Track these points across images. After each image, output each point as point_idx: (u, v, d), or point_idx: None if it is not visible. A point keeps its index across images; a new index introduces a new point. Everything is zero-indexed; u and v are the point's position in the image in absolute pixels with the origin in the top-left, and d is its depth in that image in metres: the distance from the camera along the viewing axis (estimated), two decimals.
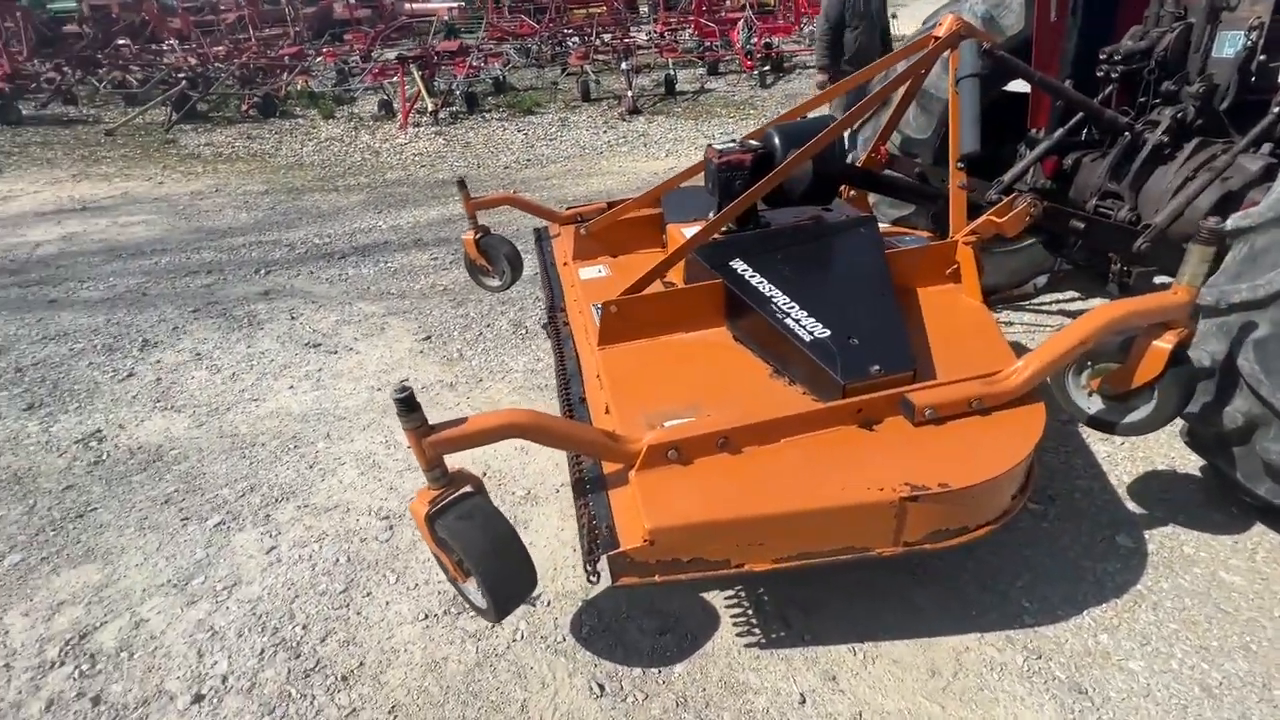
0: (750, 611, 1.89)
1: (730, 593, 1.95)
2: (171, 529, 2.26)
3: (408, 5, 21.14)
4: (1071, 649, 1.76)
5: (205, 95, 10.42)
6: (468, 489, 1.51)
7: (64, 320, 3.88)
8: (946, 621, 1.85)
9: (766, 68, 11.00)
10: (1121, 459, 2.46)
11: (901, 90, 2.64)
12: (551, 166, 7.48)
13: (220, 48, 13.73)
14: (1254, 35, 2.25)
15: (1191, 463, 2.38)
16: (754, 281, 2.04)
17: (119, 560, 2.13)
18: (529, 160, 7.71)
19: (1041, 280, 3.01)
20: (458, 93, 10.41)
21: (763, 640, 1.81)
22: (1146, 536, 2.12)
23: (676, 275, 2.32)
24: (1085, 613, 1.87)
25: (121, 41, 13.79)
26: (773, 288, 2.00)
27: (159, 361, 3.39)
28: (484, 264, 3.27)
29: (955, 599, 1.91)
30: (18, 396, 3.09)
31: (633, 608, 1.91)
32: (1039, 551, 2.08)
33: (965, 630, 1.82)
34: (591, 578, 1.47)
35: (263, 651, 1.80)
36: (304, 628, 1.88)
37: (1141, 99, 2.62)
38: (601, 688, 1.70)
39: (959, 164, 2.23)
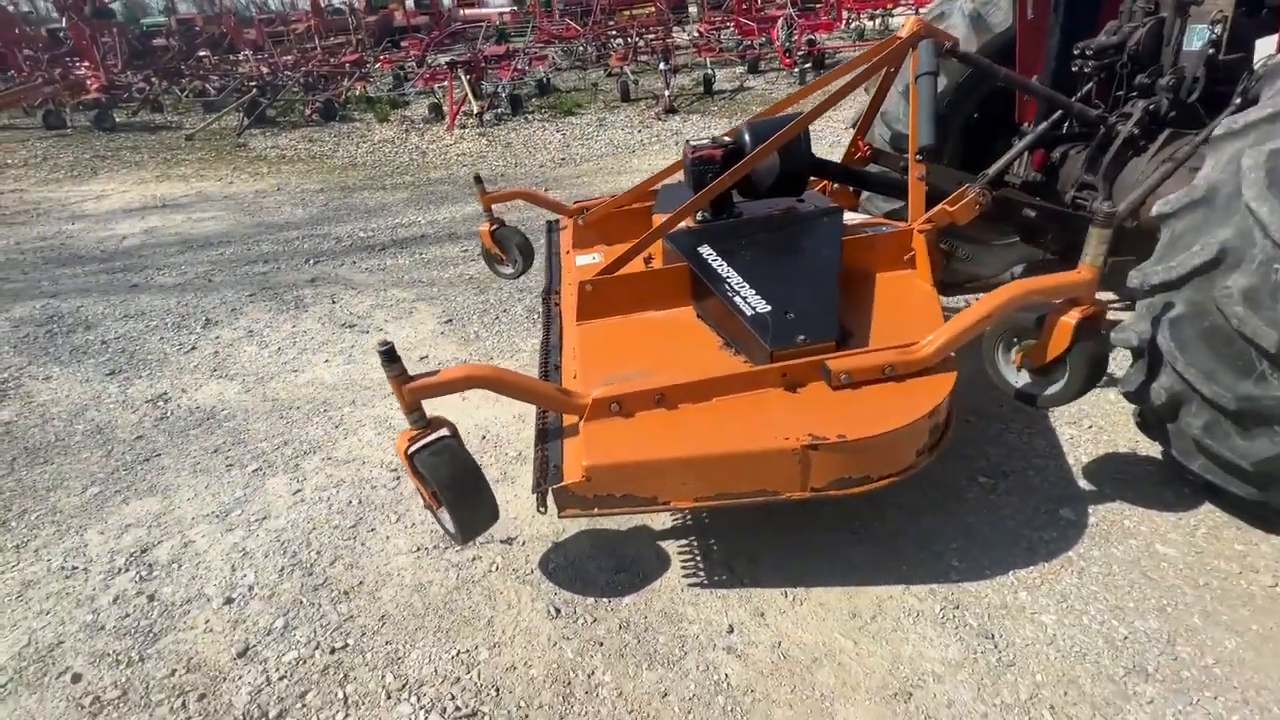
0: (699, 557, 2.11)
1: (684, 541, 2.18)
2: (218, 472, 2.66)
3: (462, 11, 22.01)
4: (989, 603, 1.91)
5: (273, 102, 11.24)
6: (443, 432, 1.80)
7: (142, 302, 4.42)
8: (877, 575, 2.03)
9: (808, 65, 11.03)
10: (1085, 441, 2.56)
11: (875, 87, 2.80)
12: (585, 165, 7.80)
13: (289, 57, 14.73)
14: (1218, 29, 2.32)
15: (1154, 446, 2.45)
16: (715, 265, 2.26)
17: (175, 495, 2.54)
18: (563, 159, 8.05)
19: (1018, 269, 3.08)
20: (503, 95, 10.90)
21: (705, 581, 2.03)
22: (1090, 510, 2.23)
23: (661, 260, 2.56)
24: (1011, 573, 2.01)
25: (202, 53, 14.93)
26: (731, 270, 2.22)
27: (218, 337, 3.85)
28: (498, 253, 3.58)
29: (890, 556, 2.09)
30: (103, 364, 3.60)
31: (595, 549, 2.16)
32: (981, 519, 2.22)
33: (892, 583, 1.99)
34: (541, 508, 1.74)
35: (283, 569, 2.15)
36: (318, 553, 2.22)
37: (1118, 92, 2.69)
38: (558, 611, 1.96)
39: (917, 156, 2.38)
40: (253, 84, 11.36)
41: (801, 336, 1.87)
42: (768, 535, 2.16)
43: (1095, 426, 2.62)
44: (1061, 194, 2.90)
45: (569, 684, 1.74)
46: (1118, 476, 2.37)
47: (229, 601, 2.04)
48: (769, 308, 2.01)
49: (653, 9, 16.36)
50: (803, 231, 2.41)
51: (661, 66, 10.49)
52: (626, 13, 17.78)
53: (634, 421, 1.80)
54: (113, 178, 8.45)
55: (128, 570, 2.19)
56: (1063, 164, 2.94)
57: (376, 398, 3.15)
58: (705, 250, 2.35)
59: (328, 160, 8.99)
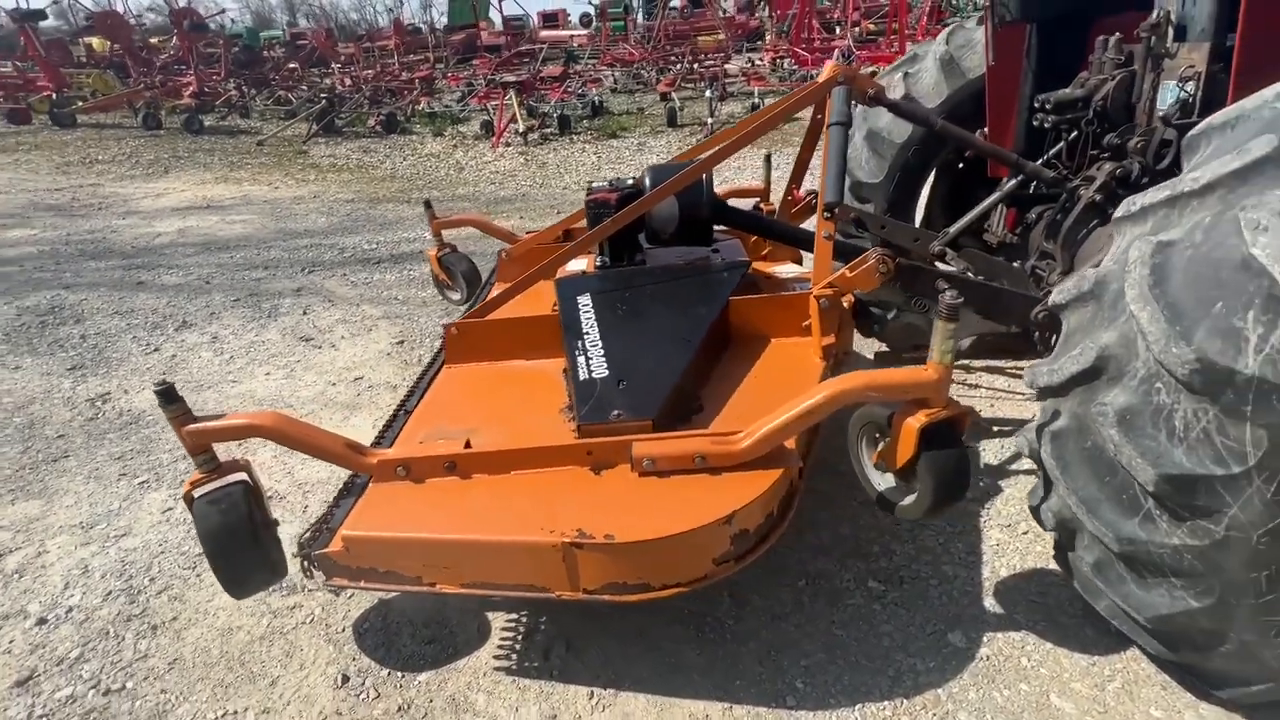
0: (519, 637, 1.93)
1: (513, 615, 2.00)
2: (109, 481, 2.69)
3: (542, 33, 22.76)
4: None
5: (339, 113, 11.88)
6: (237, 477, 1.71)
7: (138, 300, 4.66)
8: (704, 685, 1.77)
9: None
10: (1012, 550, 2.20)
11: (796, 134, 2.56)
12: None
13: (369, 71, 15.61)
14: (1189, 86, 1.97)
15: None
16: (583, 316, 2.10)
17: (58, 501, 2.58)
18: (591, 181, 8.04)
19: (964, 343, 2.72)
20: (553, 116, 11.09)
21: (513, 668, 1.84)
22: (986, 639, 1.89)
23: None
24: (858, 708, 1.71)
25: (292, 65, 16.06)
26: (594, 325, 2.05)
27: (183, 341, 3.99)
28: (444, 279, 3.54)
29: (728, 664, 1.83)
30: (70, 358, 3.79)
31: (418, 612, 2.01)
32: (852, 633, 1.92)
33: (716, 698, 1.73)
34: (306, 573, 1.61)
35: (110, 593, 2.12)
36: (151, 579, 2.17)
37: (1093, 151, 2.35)
38: (346, 679, 1.82)
39: (825, 214, 2.13)
40: (323, 95, 12.05)
41: (617, 412, 1.67)
42: (606, 619, 1.95)
43: (1032, 534, 2.25)
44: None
45: None
46: (1034, 600, 2.01)
47: (42, 622, 2.02)
48: (605, 373, 1.83)
49: (721, 36, 16.34)
50: (685, 288, 2.21)
51: (708, 94, 10.40)
52: (697, 39, 17.86)
53: (421, 489, 1.65)
54: (179, 177, 9.12)
55: None
56: (1033, 227, 2.60)
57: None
58: (583, 299, 2.19)
59: (371, 171, 9.37)
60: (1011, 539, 2.24)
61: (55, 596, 2.12)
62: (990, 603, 2.01)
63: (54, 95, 12.93)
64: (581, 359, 1.90)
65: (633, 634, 1.93)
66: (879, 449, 1.62)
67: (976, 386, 3.10)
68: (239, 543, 1.62)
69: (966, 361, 3.29)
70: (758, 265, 2.86)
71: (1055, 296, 1.57)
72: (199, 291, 4.80)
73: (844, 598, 2.03)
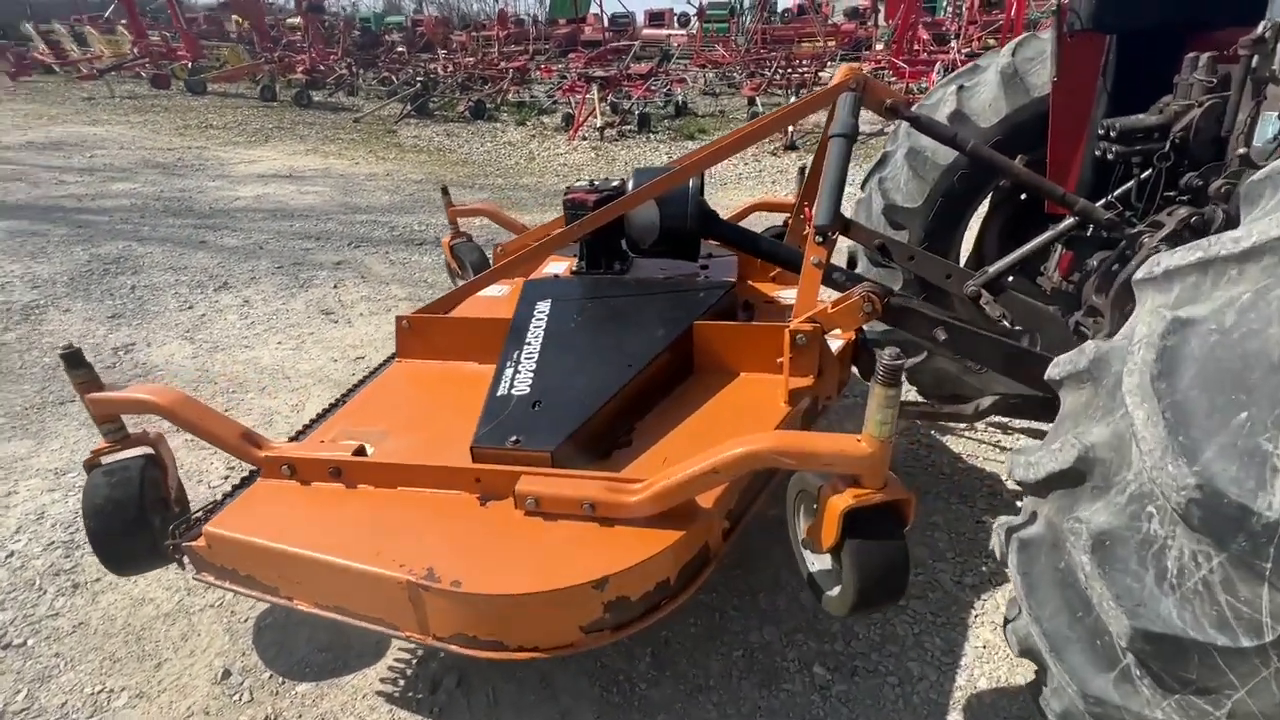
0: (414, 662, 1.79)
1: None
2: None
3: (644, 31, 22.79)
4: None
5: (431, 96, 12.30)
6: (140, 451, 1.66)
7: (194, 258, 4.92)
8: None
9: None
10: (999, 657, 1.85)
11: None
12: None
13: (470, 59, 16.12)
14: None
15: None
16: (533, 325, 1.93)
17: (47, 444, 2.69)
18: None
19: (985, 402, 2.32)
20: (635, 113, 11.00)
21: (395, 694, 1.70)
22: None
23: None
24: None
25: (400, 49, 16.83)
26: (540, 336, 1.88)
27: (217, 301, 4.15)
28: (455, 267, 3.48)
29: None
30: (113, 307, 4.02)
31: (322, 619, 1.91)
32: None
33: None
34: (176, 562, 1.53)
35: (51, 544, 2.15)
36: None
37: (1169, 192, 1.94)
38: (228, 674, 1.74)
39: (817, 239, 1.85)
40: (419, 79, 12.52)
41: (515, 438, 1.49)
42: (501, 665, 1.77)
43: None
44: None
45: None
46: (1018, 715, 1.67)
47: None
48: (525, 391, 1.65)
49: (821, 43, 15.74)
50: (648, 305, 1.99)
51: (792, 100, 9.96)
52: (800, 44, 17.30)
53: (303, 493, 1.53)
54: (275, 146, 9.70)
55: None
56: (1088, 275, 2.20)
57: (284, 389, 3.15)
58: (543, 305, 2.02)
59: (448, 154, 9.61)
60: (1003, 643, 1.89)
61: (3, 539, 2.18)
62: (953, 718, 1.68)
63: (190, 64, 14.14)
64: (509, 370, 1.73)
65: (534, 679, 1.74)
66: (810, 524, 1.36)
67: (1007, 449, 2.70)
68: (121, 522, 1.56)
69: (1004, 421, 2.88)
70: (762, 286, 2.59)
71: (1052, 369, 1.25)
72: (249, 255, 5.01)
73: (781, 680, 1.76)
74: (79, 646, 1.82)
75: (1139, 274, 1.14)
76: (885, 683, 1.77)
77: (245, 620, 1.91)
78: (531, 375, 1.70)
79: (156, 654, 1.80)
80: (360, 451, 1.57)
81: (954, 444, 2.82)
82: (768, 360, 1.89)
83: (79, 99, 13.31)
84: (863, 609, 1.25)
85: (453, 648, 1.29)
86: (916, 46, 13.28)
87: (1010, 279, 2.21)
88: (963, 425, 3.04)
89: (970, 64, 2.74)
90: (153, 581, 2.02)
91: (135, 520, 1.56)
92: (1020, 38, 2.58)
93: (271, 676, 1.74)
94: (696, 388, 1.87)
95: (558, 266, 2.55)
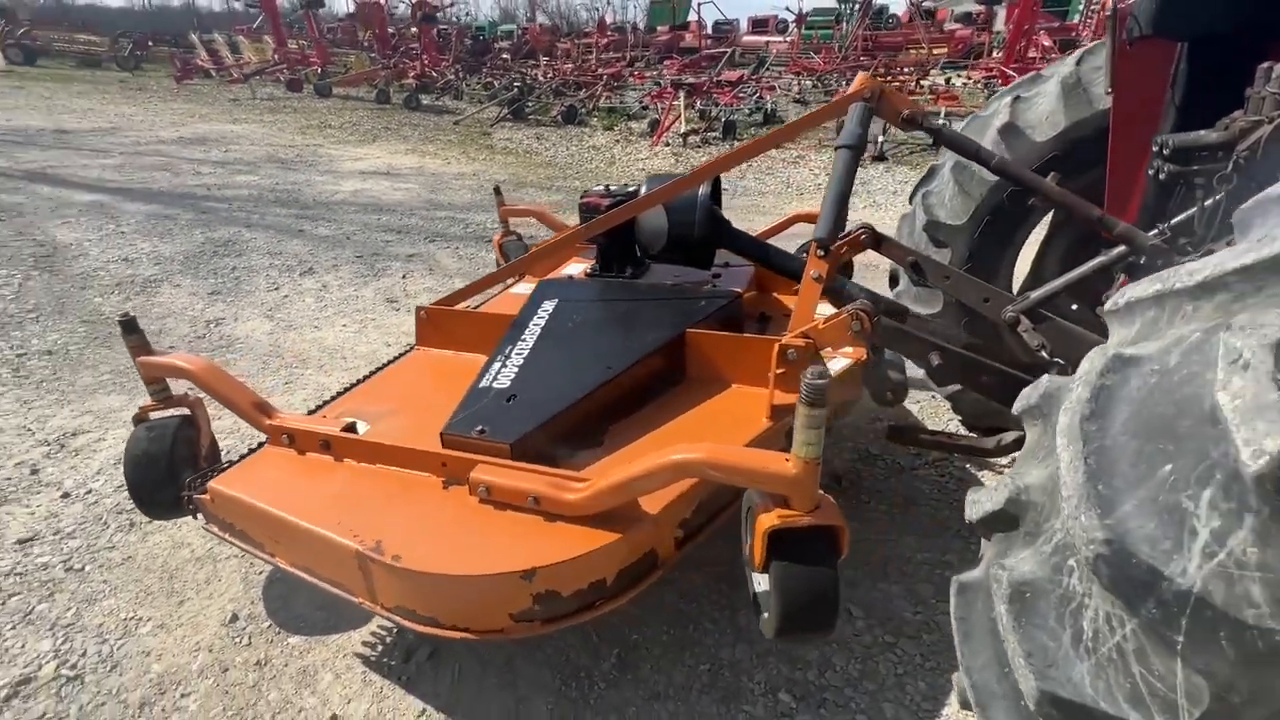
0: (395, 633, 1.90)
1: None
2: None
3: (745, 39, 22.66)
4: None
5: (527, 101, 12.84)
6: (181, 411, 1.88)
7: (290, 244, 5.42)
8: None
9: None
10: None
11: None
12: (739, 199, 7.50)
13: (569, 65, 16.68)
14: None
15: None
16: (533, 323, 2.01)
17: (139, 399, 3.06)
18: (725, 189, 7.83)
19: (1009, 437, 2.12)
20: (721, 120, 10.98)
21: (372, 657, 1.83)
22: None
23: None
24: None
25: (505, 55, 17.68)
26: (535, 332, 1.95)
27: (300, 285, 4.55)
28: (503, 263, 3.64)
29: None
30: (215, 284, 4.51)
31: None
32: None
33: None
34: (190, 510, 1.72)
35: (121, 486, 2.46)
36: None
37: (1230, 219, 1.74)
38: (235, 618, 1.93)
39: (818, 252, 1.81)
40: (515, 84, 13.10)
41: (480, 428, 1.56)
42: (480, 651, 1.85)
43: None
44: None
45: (151, 707, 1.69)
46: None
47: (66, 496, 2.41)
48: (505, 385, 1.72)
49: (926, 51, 15.03)
50: (644, 310, 2.02)
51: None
52: (908, 50, 16.60)
53: (298, 461, 1.68)
54: (380, 145, 10.47)
55: (48, 445, 2.71)
56: None
57: (339, 368, 3.43)
58: (548, 304, 2.10)
59: (534, 156, 10.00)
60: None
61: (87, 478, 2.52)
62: None
63: (320, 70, 15.55)
64: (497, 364, 1.81)
65: (499, 663, 1.81)
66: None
67: None
68: (153, 472, 1.77)
69: None
70: (786, 299, 2.54)
71: (1016, 404, 1.16)
72: (336, 245, 5.46)
73: (742, 700, 1.73)
74: (124, 577, 2.07)
75: (1107, 305, 1.04)
76: (850, 715, 1.69)
77: (260, 573, 2.10)
78: (516, 370, 1.77)
79: (182, 592, 2.03)
80: (351, 428, 1.70)
81: (991, 480, 2.63)
82: (760, 374, 1.86)
83: (226, 100, 14.97)
84: (788, 635, 1.22)
85: (396, 619, 1.38)
86: (1034, 53, 12.39)
87: (1060, 305, 2.05)
88: (1001, 460, 2.83)
89: (1032, 74, 2.56)
90: (194, 529, 2.27)
91: (165, 472, 1.78)
92: (1091, 44, 2.38)
93: (270, 626, 1.92)
94: (684, 396, 1.87)
95: (578, 268, 2.63)
